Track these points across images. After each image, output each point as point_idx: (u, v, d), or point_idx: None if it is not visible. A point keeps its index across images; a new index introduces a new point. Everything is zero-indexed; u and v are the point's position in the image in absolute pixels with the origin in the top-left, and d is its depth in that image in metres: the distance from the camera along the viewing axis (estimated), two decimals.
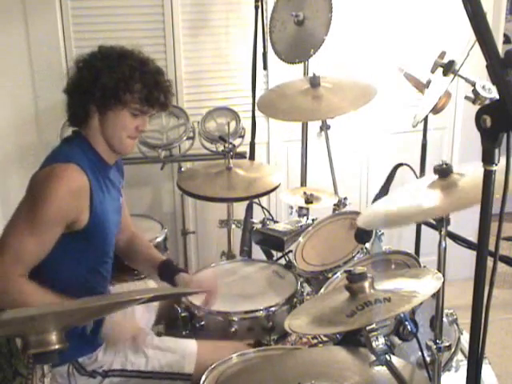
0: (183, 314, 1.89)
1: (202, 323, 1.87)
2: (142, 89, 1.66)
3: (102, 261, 1.77)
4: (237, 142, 2.69)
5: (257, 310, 1.86)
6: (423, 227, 2.47)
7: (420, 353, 1.46)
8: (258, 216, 2.64)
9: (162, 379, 1.72)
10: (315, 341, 1.97)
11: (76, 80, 1.69)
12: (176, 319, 1.90)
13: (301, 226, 2.30)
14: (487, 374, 1.66)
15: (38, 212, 1.54)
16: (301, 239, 2.18)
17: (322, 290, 1.85)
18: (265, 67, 2.73)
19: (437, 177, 1.45)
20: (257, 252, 2.55)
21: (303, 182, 2.85)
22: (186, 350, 1.75)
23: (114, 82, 1.63)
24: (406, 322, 1.48)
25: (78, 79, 1.68)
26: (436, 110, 2.13)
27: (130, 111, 1.67)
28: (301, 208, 2.42)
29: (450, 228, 1.44)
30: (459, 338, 1.63)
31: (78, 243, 1.65)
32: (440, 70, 1.80)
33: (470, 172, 1.43)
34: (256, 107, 2.51)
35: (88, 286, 1.72)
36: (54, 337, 1.02)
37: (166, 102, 1.73)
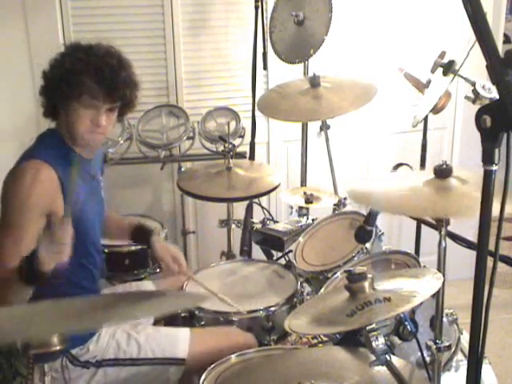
0: (183, 314, 1.89)
1: (202, 323, 1.87)
2: (89, 80, 1.64)
3: (86, 254, 1.75)
4: (237, 142, 2.69)
5: (257, 310, 1.86)
6: (423, 227, 2.47)
7: (420, 353, 1.47)
8: (258, 216, 2.64)
9: (155, 365, 1.72)
10: (315, 341, 1.97)
11: (44, 79, 1.72)
12: (176, 319, 1.90)
13: (301, 226, 2.30)
14: (487, 373, 1.66)
15: (13, 211, 1.56)
16: (301, 239, 2.18)
17: (322, 290, 1.85)
18: (265, 67, 2.73)
19: (434, 176, 1.44)
20: (257, 252, 2.55)
21: (303, 182, 2.85)
22: (178, 335, 1.77)
23: (62, 77, 1.64)
24: (406, 322, 1.48)
25: (44, 78, 1.71)
26: (436, 109, 2.13)
27: (82, 105, 1.65)
28: (301, 208, 2.42)
29: (449, 228, 1.44)
30: (459, 338, 1.63)
31: None
32: (440, 69, 1.80)
33: (469, 179, 1.41)
34: (256, 107, 2.51)
35: (75, 281, 1.71)
36: (55, 338, 1.02)
37: (115, 88, 1.67)
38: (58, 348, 1.03)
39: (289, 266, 2.13)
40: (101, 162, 1.97)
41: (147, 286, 2.10)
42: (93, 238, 1.78)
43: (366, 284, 1.26)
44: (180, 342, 1.75)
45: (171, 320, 1.96)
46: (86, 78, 1.64)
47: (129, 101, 1.74)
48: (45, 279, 1.44)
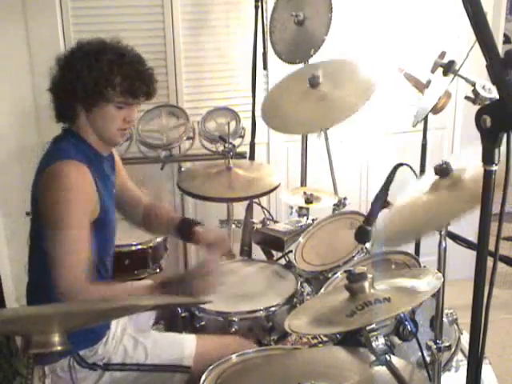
0: (183, 314, 1.89)
1: (202, 323, 1.87)
2: (123, 82, 1.66)
3: (101, 258, 1.76)
4: (237, 142, 2.69)
5: (257, 310, 1.86)
6: None
7: (420, 353, 1.47)
8: (258, 216, 2.64)
9: (161, 372, 1.73)
10: (315, 341, 1.97)
11: (58, 79, 1.70)
12: (176, 319, 1.90)
13: (301, 226, 2.30)
14: (487, 373, 1.66)
15: (67, 215, 1.56)
16: (301, 239, 2.18)
17: (322, 290, 1.85)
18: (265, 67, 2.73)
19: (437, 177, 1.44)
20: (257, 252, 2.55)
21: (303, 182, 2.85)
22: (184, 343, 1.77)
23: (93, 80, 1.64)
24: (406, 322, 1.48)
25: (60, 79, 1.70)
26: (436, 110, 2.13)
27: (115, 105, 1.67)
28: (301, 208, 2.41)
29: (450, 228, 1.44)
30: (459, 338, 1.63)
31: (96, 232, 1.66)
32: (440, 69, 1.80)
33: (469, 167, 1.41)
34: (256, 107, 2.51)
35: None
36: (56, 338, 1.02)
37: (150, 90, 1.73)
38: (58, 349, 1.03)
39: (289, 266, 2.13)
40: (112, 160, 1.96)
41: None
42: (111, 240, 1.81)
43: (366, 284, 1.26)
44: (186, 349, 1.75)
45: (172, 320, 1.96)
46: (122, 78, 1.66)
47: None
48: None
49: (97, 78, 1.64)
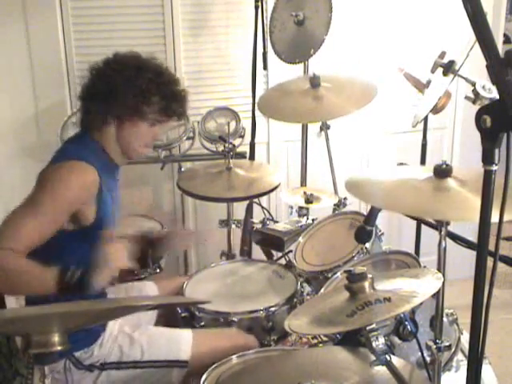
0: (183, 314, 1.89)
1: (202, 323, 1.87)
2: (160, 101, 1.69)
3: None
4: (237, 141, 2.69)
5: (257, 310, 1.86)
6: (423, 227, 2.47)
7: (420, 353, 1.46)
8: (258, 216, 2.64)
9: (158, 368, 1.73)
10: (315, 341, 1.97)
11: (92, 89, 1.70)
12: (176, 319, 1.90)
13: (301, 226, 2.30)
14: (487, 373, 1.66)
15: (44, 196, 1.54)
16: (301, 239, 2.18)
17: (322, 290, 1.85)
18: (265, 67, 2.73)
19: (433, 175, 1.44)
20: (257, 252, 2.55)
21: (303, 182, 2.85)
22: (181, 337, 1.77)
23: (132, 95, 1.65)
24: (406, 322, 1.48)
25: (94, 88, 1.70)
26: (436, 109, 2.13)
27: (149, 122, 1.70)
28: (301, 208, 2.41)
29: (450, 228, 1.44)
30: (459, 338, 1.63)
31: (84, 241, 1.63)
32: (440, 69, 1.80)
33: (469, 179, 1.41)
34: (256, 107, 2.51)
35: None
36: (56, 338, 1.02)
37: (183, 111, 1.77)
38: (58, 348, 1.02)
39: (289, 266, 2.13)
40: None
41: (148, 286, 2.10)
42: None
43: (366, 284, 1.26)
44: (183, 344, 1.75)
45: (171, 321, 1.96)
46: (160, 98, 1.68)
47: None
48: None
49: (135, 95, 1.65)
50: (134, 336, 1.76)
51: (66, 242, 1.60)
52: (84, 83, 1.72)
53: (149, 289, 2.07)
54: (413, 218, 2.12)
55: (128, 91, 1.65)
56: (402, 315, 1.48)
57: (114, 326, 1.78)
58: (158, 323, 2.01)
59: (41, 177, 1.60)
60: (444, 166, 1.41)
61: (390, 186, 1.49)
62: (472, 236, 1.51)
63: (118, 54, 1.72)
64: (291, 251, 2.19)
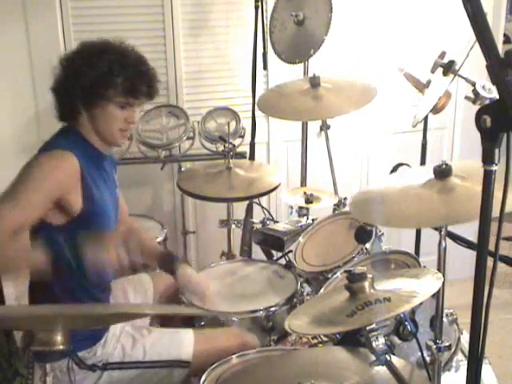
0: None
1: (202, 323, 1.87)
2: (124, 82, 1.66)
3: None
4: (237, 141, 2.69)
5: (257, 310, 1.86)
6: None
7: (420, 353, 1.46)
8: (258, 216, 2.64)
9: (160, 368, 1.73)
10: (315, 341, 1.97)
11: (60, 78, 1.71)
12: (176, 319, 1.90)
13: (301, 226, 2.30)
14: (487, 373, 1.66)
15: (25, 186, 1.55)
16: (301, 239, 2.18)
17: (322, 290, 1.85)
18: (265, 67, 2.73)
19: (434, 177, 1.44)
20: (257, 252, 2.54)
21: (303, 182, 2.85)
22: (183, 338, 1.77)
23: (94, 79, 1.64)
24: (406, 322, 1.48)
25: (62, 78, 1.70)
26: (436, 109, 2.13)
27: (116, 105, 1.68)
28: (301, 208, 2.41)
29: (450, 228, 1.44)
30: (459, 338, 1.63)
31: (77, 231, 1.63)
32: (440, 69, 1.80)
33: (469, 175, 1.40)
34: (256, 107, 2.51)
35: (83, 282, 1.69)
36: (59, 337, 1.02)
37: (151, 90, 1.74)
38: (60, 347, 1.03)
39: (289, 266, 2.13)
40: (114, 161, 1.96)
41: (144, 279, 2.09)
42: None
43: (366, 284, 1.26)
44: (185, 344, 1.75)
45: (171, 320, 1.96)
46: (124, 79, 1.66)
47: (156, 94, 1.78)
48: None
49: (97, 78, 1.64)
50: (137, 337, 1.76)
51: (61, 238, 1.60)
52: (55, 75, 1.72)
53: (144, 283, 2.06)
54: None
55: (90, 75, 1.64)
56: (402, 315, 1.48)
57: (116, 326, 1.78)
58: (153, 320, 2.01)
59: (23, 167, 1.62)
60: (443, 166, 1.41)
61: (391, 200, 1.47)
62: (472, 236, 1.51)
63: (84, 42, 1.72)
64: (291, 251, 2.19)
